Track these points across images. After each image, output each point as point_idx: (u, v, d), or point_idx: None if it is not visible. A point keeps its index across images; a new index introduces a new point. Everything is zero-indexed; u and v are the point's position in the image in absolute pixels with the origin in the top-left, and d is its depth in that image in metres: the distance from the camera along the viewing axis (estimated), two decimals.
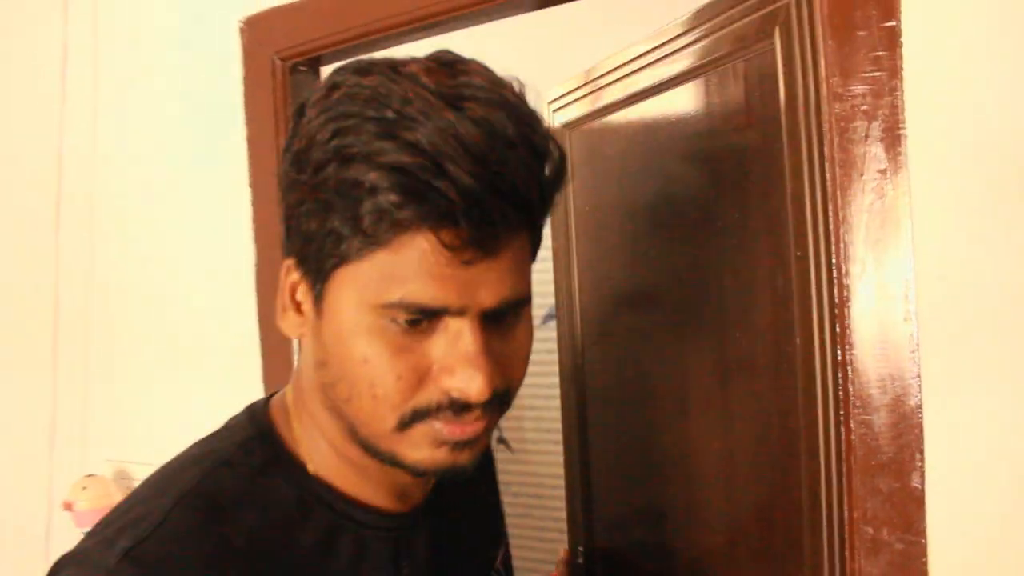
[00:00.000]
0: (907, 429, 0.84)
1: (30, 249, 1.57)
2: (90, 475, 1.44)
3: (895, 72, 0.82)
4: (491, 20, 1.14)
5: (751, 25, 1.06)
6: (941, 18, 0.81)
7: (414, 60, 0.64)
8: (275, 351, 1.29)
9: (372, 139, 0.59)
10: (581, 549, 1.55)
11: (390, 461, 0.67)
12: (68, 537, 1.49)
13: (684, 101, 1.21)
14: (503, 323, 0.65)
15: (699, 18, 1.15)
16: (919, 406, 0.83)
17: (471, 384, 0.62)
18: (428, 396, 0.63)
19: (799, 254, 1.01)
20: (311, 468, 0.71)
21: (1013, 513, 0.81)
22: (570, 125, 1.51)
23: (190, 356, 1.43)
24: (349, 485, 0.71)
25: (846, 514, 0.88)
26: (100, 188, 1.50)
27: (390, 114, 0.59)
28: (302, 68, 1.27)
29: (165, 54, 1.41)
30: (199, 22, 1.36)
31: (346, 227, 0.60)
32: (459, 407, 0.64)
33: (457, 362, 0.63)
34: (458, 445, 0.65)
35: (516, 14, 1.17)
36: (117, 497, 1.45)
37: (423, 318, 0.62)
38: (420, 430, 0.64)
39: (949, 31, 0.81)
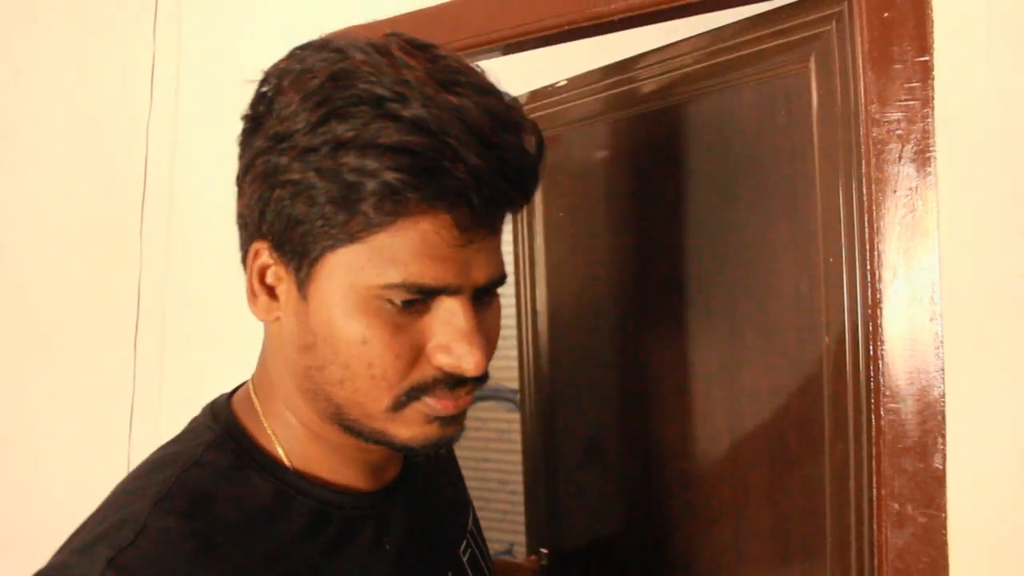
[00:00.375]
0: (931, 416, 0.93)
1: (117, 246, 1.68)
2: None
3: (927, 101, 0.91)
4: (563, 42, 1.24)
5: (783, 48, 1.13)
6: (969, 55, 0.90)
7: (387, 41, 0.62)
8: None
9: (371, 120, 0.57)
10: (545, 551, 1.54)
11: (378, 440, 0.67)
12: None
13: (697, 113, 1.26)
14: (482, 300, 0.67)
15: (719, 35, 1.21)
16: (942, 396, 0.92)
17: (468, 359, 0.63)
18: (423, 373, 0.64)
19: (831, 260, 1.10)
20: (287, 460, 0.69)
21: (1023, 487, 0.91)
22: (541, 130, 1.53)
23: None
24: (327, 471, 0.71)
25: (875, 491, 0.97)
26: (180, 187, 1.61)
27: (386, 93, 0.58)
28: None
29: (246, 66, 1.51)
30: (283, 37, 1.46)
31: (341, 211, 0.59)
32: (453, 382, 0.65)
33: (453, 339, 0.63)
34: (447, 419, 0.66)
35: (585, 37, 1.27)
36: None
37: (421, 298, 0.62)
38: (414, 408, 0.65)
39: (976, 67, 0.90)
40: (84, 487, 1.74)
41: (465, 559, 0.85)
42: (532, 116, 1.50)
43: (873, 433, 0.98)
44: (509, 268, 1.53)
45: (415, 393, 0.65)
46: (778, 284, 1.17)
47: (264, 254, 0.65)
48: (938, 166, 0.91)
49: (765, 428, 1.20)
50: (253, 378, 0.74)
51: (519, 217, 1.59)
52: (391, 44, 0.61)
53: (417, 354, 0.64)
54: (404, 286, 0.61)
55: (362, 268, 0.61)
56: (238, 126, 1.57)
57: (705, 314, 1.28)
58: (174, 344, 1.64)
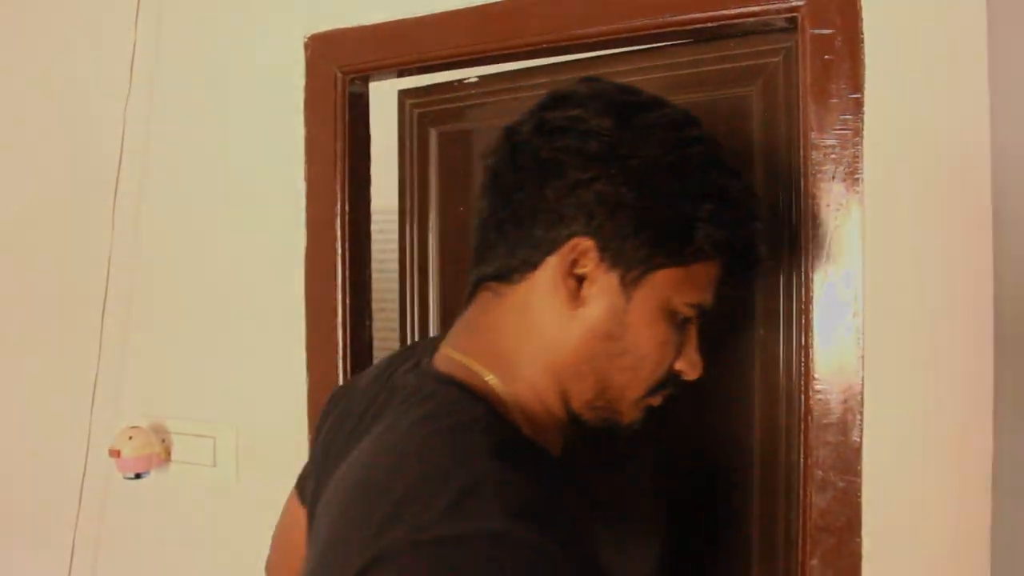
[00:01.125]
0: (851, 396, 1.07)
1: (88, 225, 1.72)
2: (134, 426, 1.61)
3: (858, 131, 1.05)
4: (541, 58, 1.35)
5: (730, 72, 1.24)
6: (895, 95, 1.04)
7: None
8: (320, 323, 1.48)
9: (724, 183, 0.78)
10: None
11: (609, 418, 0.81)
12: (102, 481, 1.66)
13: None
14: None
15: (666, 53, 1.29)
16: (861, 380, 1.06)
17: (698, 367, 0.83)
18: (668, 373, 0.82)
19: (770, 262, 1.25)
20: (524, 430, 0.76)
21: (926, 458, 1.04)
22: (435, 122, 1.52)
23: (229, 325, 1.59)
24: (547, 440, 0.79)
25: (802, 461, 1.11)
26: (156, 164, 1.65)
27: (725, 162, 0.79)
28: (357, 81, 1.47)
29: (229, 57, 1.57)
30: (265, 34, 1.53)
31: (682, 241, 0.76)
32: (674, 382, 0.83)
33: (692, 350, 0.82)
34: (648, 409, 0.84)
35: (536, 58, 1.35)
36: (157, 447, 1.61)
37: (695, 316, 0.81)
38: (648, 398, 0.81)
39: (900, 105, 1.04)
40: (43, 462, 1.78)
41: None
42: (436, 110, 1.51)
43: (802, 411, 1.12)
44: (393, 266, 1.55)
45: (659, 387, 0.82)
46: None
47: (581, 249, 0.76)
48: (865, 186, 1.06)
49: (695, 410, 1.25)
50: (472, 352, 0.80)
51: (409, 209, 1.57)
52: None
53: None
54: (699, 306, 0.80)
55: (679, 286, 0.78)
56: (213, 112, 1.63)
57: None
58: (139, 324, 1.69)
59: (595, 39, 1.25)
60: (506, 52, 1.34)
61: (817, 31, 1.08)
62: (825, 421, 1.10)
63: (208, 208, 1.61)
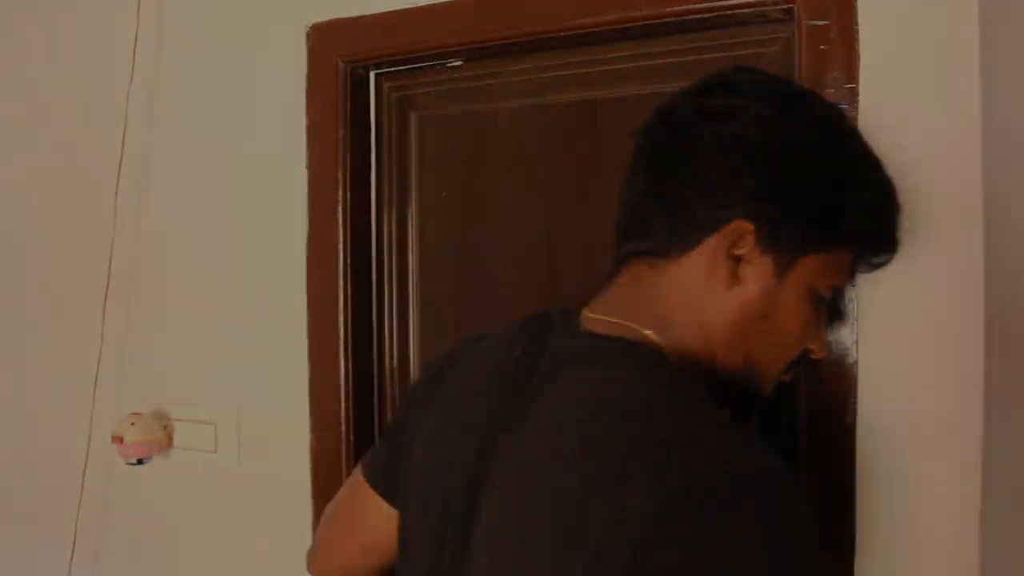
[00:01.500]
0: (845, 380, 1.09)
1: (89, 210, 1.72)
2: (136, 413, 1.62)
3: (852, 120, 1.06)
4: (536, 51, 1.36)
5: (728, 60, 1.21)
6: (887, 84, 1.07)
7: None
8: (321, 309, 1.50)
9: (868, 172, 0.85)
10: None
11: (748, 386, 0.85)
12: (104, 467, 1.67)
13: (623, 109, 1.30)
14: None
15: (663, 41, 1.28)
16: (855, 363, 1.08)
17: (826, 347, 0.93)
18: (804, 352, 0.88)
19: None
20: None
21: (918, 441, 1.06)
22: (415, 106, 1.51)
23: (231, 311, 1.60)
24: None
25: (796, 443, 1.13)
26: (158, 152, 1.66)
27: (873, 153, 0.86)
28: (359, 71, 1.49)
29: (230, 46, 1.58)
30: (267, 23, 1.54)
31: (831, 227, 0.81)
32: (804, 361, 0.89)
33: (822, 331, 0.90)
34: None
35: (538, 49, 1.36)
36: (159, 433, 1.63)
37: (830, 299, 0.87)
38: (784, 375, 0.88)
39: (892, 93, 1.06)
40: (46, 449, 1.79)
41: None
42: (415, 94, 1.50)
43: (797, 391, 1.14)
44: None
45: (794, 364, 0.88)
46: None
47: (741, 231, 0.79)
48: None
49: None
50: (632, 318, 0.82)
51: (388, 196, 1.54)
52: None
53: None
54: (836, 288, 0.88)
55: (824, 269, 0.83)
56: (214, 101, 1.63)
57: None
58: (141, 310, 1.71)
59: (595, 28, 1.26)
60: (506, 42, 1.35)
61: (813, 22, 1.10)
62: (820, 403, 1.12)
63: (210, 195, 1.62)
